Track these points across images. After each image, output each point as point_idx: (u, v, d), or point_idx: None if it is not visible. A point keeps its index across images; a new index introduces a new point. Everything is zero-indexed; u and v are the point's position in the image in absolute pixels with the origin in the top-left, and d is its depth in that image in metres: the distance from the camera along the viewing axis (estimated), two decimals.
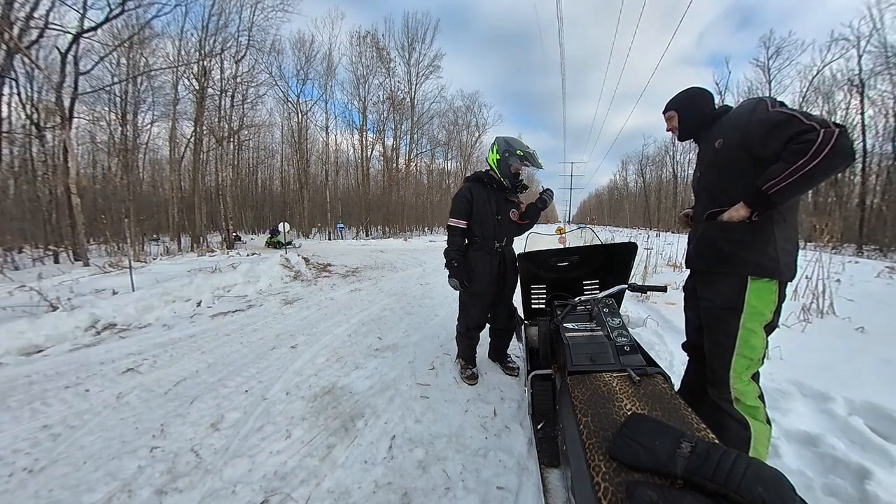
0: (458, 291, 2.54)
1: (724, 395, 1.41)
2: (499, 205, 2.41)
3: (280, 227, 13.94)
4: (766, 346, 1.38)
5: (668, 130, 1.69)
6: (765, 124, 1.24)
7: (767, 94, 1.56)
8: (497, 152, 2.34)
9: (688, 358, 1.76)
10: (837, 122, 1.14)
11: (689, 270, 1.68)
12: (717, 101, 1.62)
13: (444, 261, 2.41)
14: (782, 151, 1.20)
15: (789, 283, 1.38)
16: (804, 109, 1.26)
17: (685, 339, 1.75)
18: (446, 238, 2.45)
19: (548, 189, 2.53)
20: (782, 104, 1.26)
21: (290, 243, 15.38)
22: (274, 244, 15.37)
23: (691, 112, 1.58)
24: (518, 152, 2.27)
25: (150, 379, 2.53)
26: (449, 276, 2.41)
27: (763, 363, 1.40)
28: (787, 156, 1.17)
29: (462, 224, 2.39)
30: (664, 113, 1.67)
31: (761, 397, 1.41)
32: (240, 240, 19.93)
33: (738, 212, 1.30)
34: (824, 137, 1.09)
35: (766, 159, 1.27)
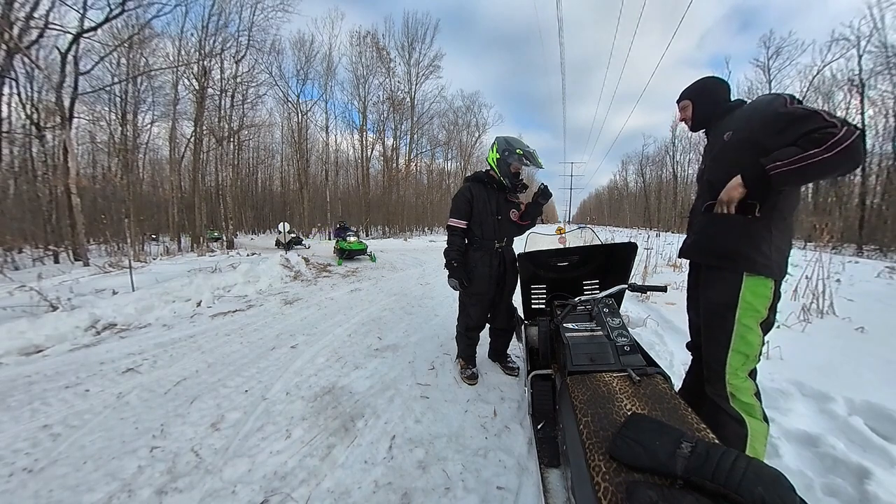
0: (457, 291, 2.55)
1: (720, 392, 1.42)
2: (499, 205, 2.42)
3: (280, 227, 12.78)
4: (763, 344, 1.39)
5: (680, 120, 1.68)
6: (784, 117, 1.22)
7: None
8: (497, 151, 2.34)
9: (691, 358, 1.76)
10: (855, 124, 1.12)
11: (687, 271, 1.69)
12: None
13: (444, 261, 2.41)
14: (797, 140, 1.17)
15: (783, 282, 1.38)
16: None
17: (689, 340, 1.76)
18: (446, 238, 2.46)
19: (543, 184, 2.53)
20: (800, 101, 1.25)
21: (362, 250, 9.46)
22: (342, 252, 9.38)
23: (706, 102, 1.57)
24: (518, 151, 2.27)
25: (150, 379, 2.53)
26: (448, 276, 2.42)
27: (759, 360, 1.41)
28: (802, 142, 1.14)
29: (462, 224, 2.40)
30: (678, 102, 1.66)
31: (758, 395, 1.42)
32: (300, 243, 14.80)
33: (735, 190, 1.28)
34: (845, 133, 1.07)
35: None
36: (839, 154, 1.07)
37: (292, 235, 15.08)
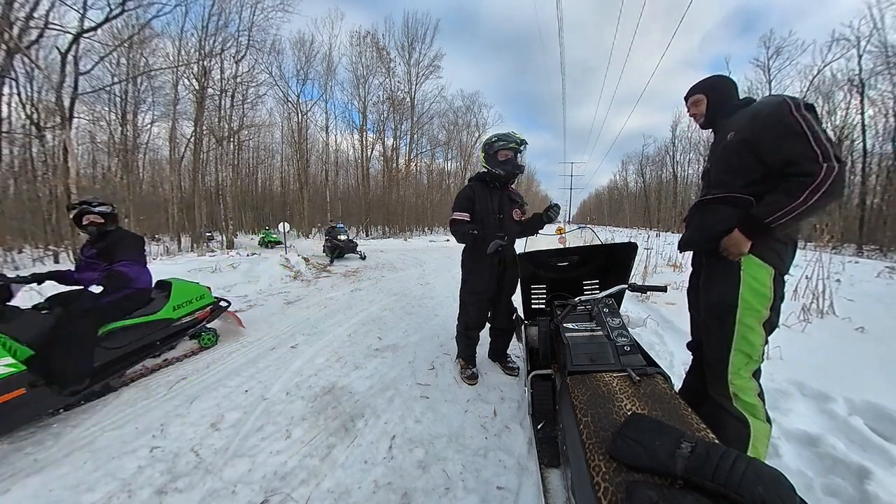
0: (458, 291, 2.58)
1: (723, 392, 1.41)
2: (501, 203, 2.44)
3: (280, 227, 11.58)
4: (766, 344, 1.38)
5: (690, 115, 1.65)
6: (780, 128, 1.23)
7: (794, 95, 1.53)
8: (483, 153, 2.45)
9: (692, 357, 1.76)
10: (838, 155, 1.16)
11: (689, 270, 1.69)
12: None
13: (452, 261, 2.42)
14: (784, 166, 1.23)
15: (786, 283, 1.38)
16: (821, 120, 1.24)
17: (690, 339, 1.76)
18: (452, 231, 2.42)
19: (556, 204, 2.54)
20: (809, 108, 1.23)
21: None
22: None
23: (720, 98, 1.55)
24: (493, 140, 2.38)
25: (150, 379, 2.53)
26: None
27: (763, 360, 1.40)
28: (789, 188, 1.21)
29: (465, 217, 2.41)
30: (690, 97, 1.62)
31: (761, 395, 1.41)
32: (354, 250, 9.98)
33: (742, 244, 1.31)
34: (824, 176, 1.14)
35: (767, 163, 1.28)
36: (821, 198, 1.16)
37: (342, 238, 9.65)
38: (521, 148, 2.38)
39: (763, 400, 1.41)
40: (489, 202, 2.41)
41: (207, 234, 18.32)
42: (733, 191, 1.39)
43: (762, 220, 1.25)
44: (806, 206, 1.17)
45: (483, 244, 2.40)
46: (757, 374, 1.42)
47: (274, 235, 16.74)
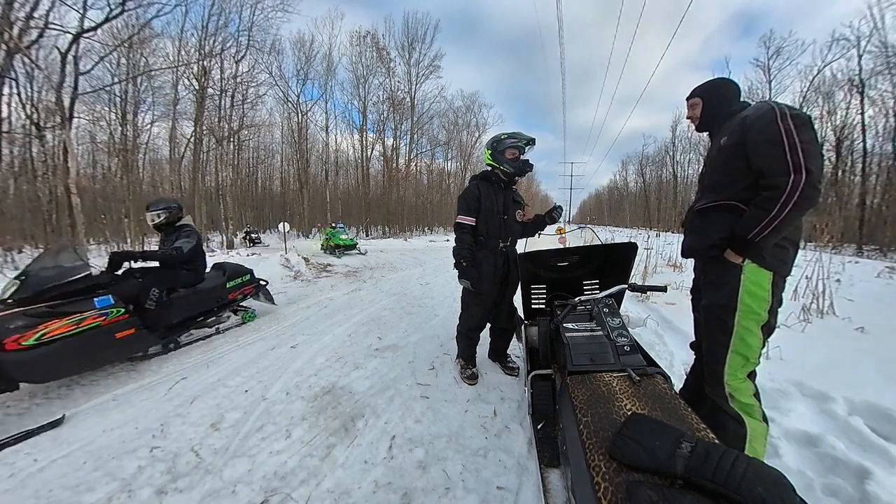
0: (460, 292, 2.56)
1: (719, 393, 1.42)
2: (506, 204, 2.43)
3: (280, 227, 11.48)
4: (763, 346, 1.39)
5: (687, 118, 1.66)
6: (762, 135, 1.25)
7: (784, 103, 1.53)
8: (489, 149, 2.42)
9: (694, 357, 1.77)
10: (810, 166, 1.16)
11: (691, 272, 1.70)
12: None
13: (452, 260, 2.40)
14: (759, 176, 1.27)
15: (786, 284, 1.38)
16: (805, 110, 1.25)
17: (693, 340, 1.76)
18: (454, 237, 2.43)
19: (559, 206, 2.56)
20: (798, 116, 1.22)
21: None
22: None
23: (716, 102, 1.55)
24: (503, 137, 2.37)
25: (150, 378, 2.53)
26: (459, 276, 2.39)
27: (759, 362, 1.41)
28: (760, 202, 1.25)
29: (471, 221, 2.38)
30: (688, 99, 1.63)
31: (757, 395, 1.42)
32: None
33: (735, 260, 1.36)
34: (791, 188, 1.17)
35: (754, 169, 1.30)
36: (792, 211, 1.19)
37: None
38: (530, 147, 2.39)
39: (759, 400, 1.42)
40: (494, 202, 2.39)
41: (254, 235, 18.16)
42: (728, 195, 1.39)
43: (745, 238, 1.28)
44: (779, 220, 1.20)
45: (485, 246, 2.39)
46: (752, 375, 1.43)
47: (344, 237, 11.56)
